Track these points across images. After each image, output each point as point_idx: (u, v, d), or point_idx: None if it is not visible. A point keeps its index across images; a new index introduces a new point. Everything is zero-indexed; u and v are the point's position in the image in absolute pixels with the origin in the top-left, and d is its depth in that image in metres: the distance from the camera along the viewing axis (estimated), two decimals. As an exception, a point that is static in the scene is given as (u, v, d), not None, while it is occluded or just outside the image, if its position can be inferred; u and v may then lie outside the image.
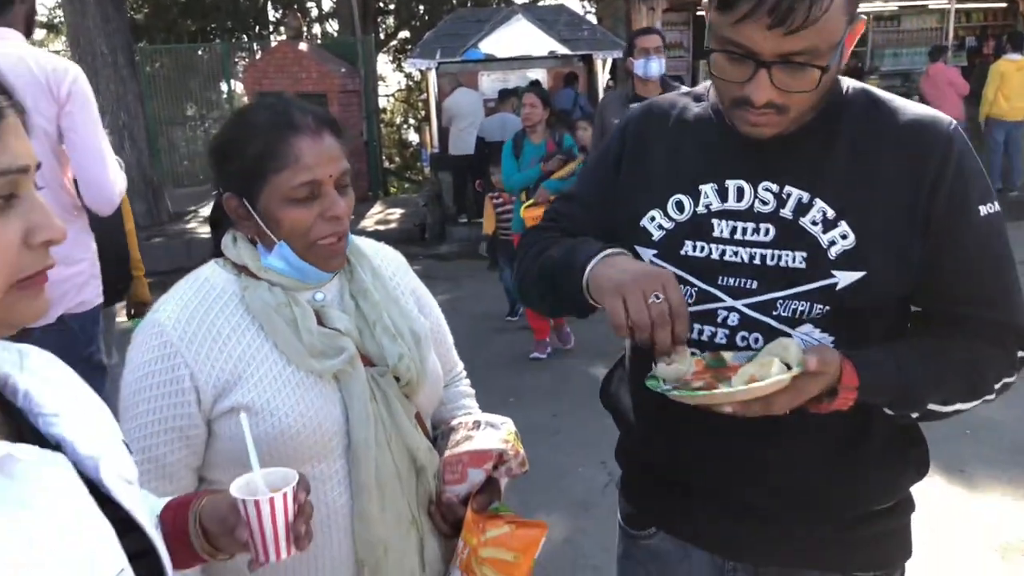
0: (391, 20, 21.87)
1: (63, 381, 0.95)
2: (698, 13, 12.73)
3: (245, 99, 13.74)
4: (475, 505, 1.45)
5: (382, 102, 18.64)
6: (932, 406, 1.31)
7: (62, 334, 2.57)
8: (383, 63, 22.48)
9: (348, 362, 1.38)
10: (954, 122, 1.33)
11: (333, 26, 20.81)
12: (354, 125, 12.00)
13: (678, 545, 1.50)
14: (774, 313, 1.31)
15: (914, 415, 1.32)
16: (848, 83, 1.35)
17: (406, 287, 1.58)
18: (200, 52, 14.99)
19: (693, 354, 1.28)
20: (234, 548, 1.09)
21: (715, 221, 1.35)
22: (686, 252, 1.37)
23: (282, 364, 1.35)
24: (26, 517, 0.77)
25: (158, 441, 1.35)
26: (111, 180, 2.67)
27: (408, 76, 23.65)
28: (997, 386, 1.33)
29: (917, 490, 1.46)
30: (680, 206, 1.38)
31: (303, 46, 12.21)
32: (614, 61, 11.32)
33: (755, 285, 1.32)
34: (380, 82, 19.91)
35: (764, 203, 1.33)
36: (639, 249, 1.41)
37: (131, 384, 1.35)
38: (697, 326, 1.37)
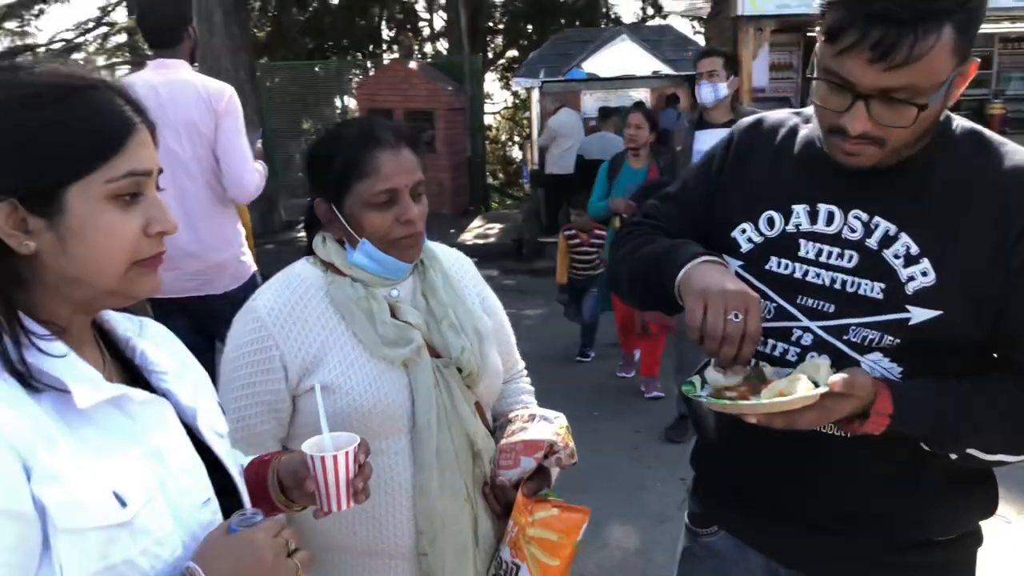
0: (500, 40, 22.28)
1: (173, 348, 1.16)
2: (808, 34, 12.52)
3: (358, 115, 14.28)
4: (525, 490, 1.58)
5: (488, 120, 19.03)
6: (972, 451, 1.29)
7: (227, 303, 3.05)
8: (491, 81, 22.93)
9: (416, 352, 1.54)
10: None
11: (444, 45, 21.35)
12: (458, 142, 12.30)
13: (737, 545, 1.55)
14: (844, 338, 1.33)
15: (952, 455, 1.31)
16: (959, 122, 1.35)
17: (473, 289, 1.74)
18: (317, 69, 15.66)
19: (745, 369, 1.33)
20: (304, 499, 1.25)
21: (802, 241, 1.38)
22: (770, 267, 1.41)
23: (359, 350, 1.53)
24: (138, 439, 0.97)
25: (250, 412, 1.54)
26: (249, 177, 3.22)
27: (515, 95, 24.01)
28: None
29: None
30: (771, 222, 1.42)
31: (413, 65, 12.62)
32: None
33: (832, 309, 1.35)
34: (487, 100, 20.31)
35: (852, 230, 1.34)
36: (727, 258, 1.45)
37: (229, 361, 1.56)
38: (771, 341, 1.40)
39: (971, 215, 1.28)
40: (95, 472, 0.91)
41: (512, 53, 22.36)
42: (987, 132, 1.37)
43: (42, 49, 20.94)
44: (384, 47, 21.44)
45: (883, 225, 1.32)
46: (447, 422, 1.57)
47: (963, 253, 1.27)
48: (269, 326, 1.53)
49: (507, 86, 24.50)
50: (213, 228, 3.18)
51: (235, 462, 1.18)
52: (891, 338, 1.30)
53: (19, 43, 21.50)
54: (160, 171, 1.01)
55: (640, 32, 11.27)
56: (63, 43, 21.32)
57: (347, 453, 1.21)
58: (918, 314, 1.28)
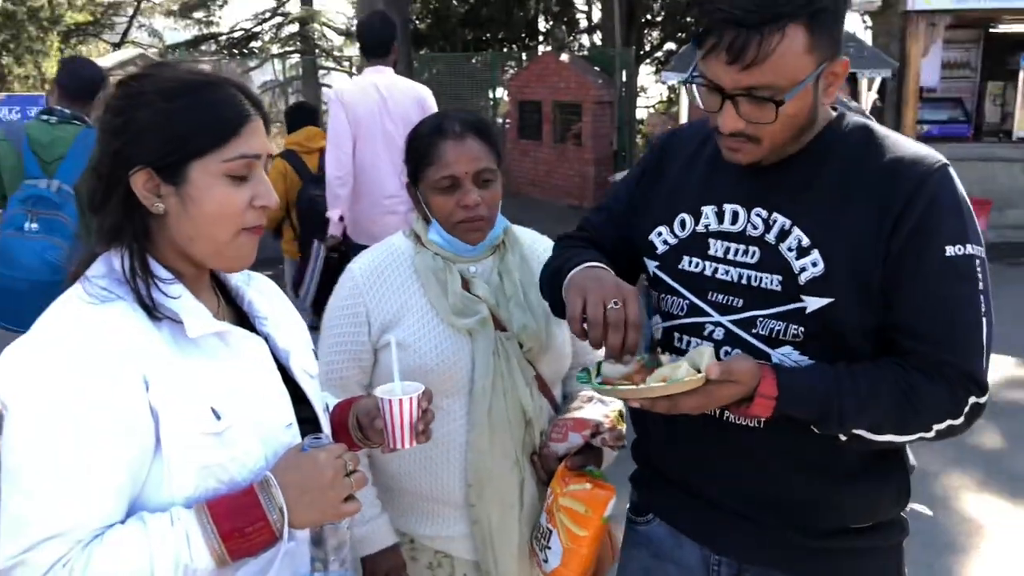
0: (657, 33, 21.97)
1: (275, 299, 1.39)
2: (991, 30, 11.63)
3: (509, 106, 14.50)
4: (569, 463, 1.70)
5: (641, 113, 18.84)
6: (860, 431, 1.32)
7: None
8: (646, 75, 22.66)
9: (480, 323, 1.72)
10: (942, 162, 1.32)
11: (600, 38, 21.29)
12: (605, 135, 12.28)
13: (671, 533, 1.61)
14: (754, 331, 1.39)
15: (842, 437, 1.33)
16: (852, 118, 1.40)
17: None
18: (473, 60, 16.01)
19: (642, 357, 1.39)
20: (376, 437, 1.43)
21: (711, 240, 1.46)
22: (683, 267, 1.49)
23: (431, 315, 1.73)
24: (233, 365, 1.20)
25: (339, 359, 1.77)
26: None
27: (671, 88, 23.66)
28: (939, 427, 1.31)
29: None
30: (683, 223, 1.50)
31: (564, 57, 12.70)
32: (883, 80, 10.65)
33: (740, 303, 1.41)
34: (641, 93, 20.09)
35: (754, 227, 1.42)
36: (645, 260, 1.53)
37: (329, 314, 1.80)
38: (685, 337, 1.47)
39: (856, 206, 1.34)
40: (197, 389, 1.13)
41: (670, 47, 22.01)
42: (877, 127, 1.41)
43: (223, 38, 22.48)
44: (540, 39, 21.63)
45: (780, 220, 1.39)
46: (502, 388, 1.72)
47: (849, 243, 1.33)
48: (360, 285, 1.77)
49: (661, 80, 24.13)
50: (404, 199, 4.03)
51: (320, 399, 1.39)
52: (794, 327, 1.37)
53: (204, 31, 23.17)
54: (270, 156, 1.22)
55: (798, 27, 10.82)
56: (241, 32, 22.79)
57: (412, 398, 1.35)
58: (812, 303, 1.35)
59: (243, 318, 1.32)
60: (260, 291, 1.37)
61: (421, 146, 1.73)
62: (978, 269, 1.33)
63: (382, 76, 4.20)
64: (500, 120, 15.20)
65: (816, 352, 1.37)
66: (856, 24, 20.40)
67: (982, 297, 1.33)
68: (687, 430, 1.49)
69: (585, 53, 16.37)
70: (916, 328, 1.33)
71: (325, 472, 1.14)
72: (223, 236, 1.17)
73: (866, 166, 1.36)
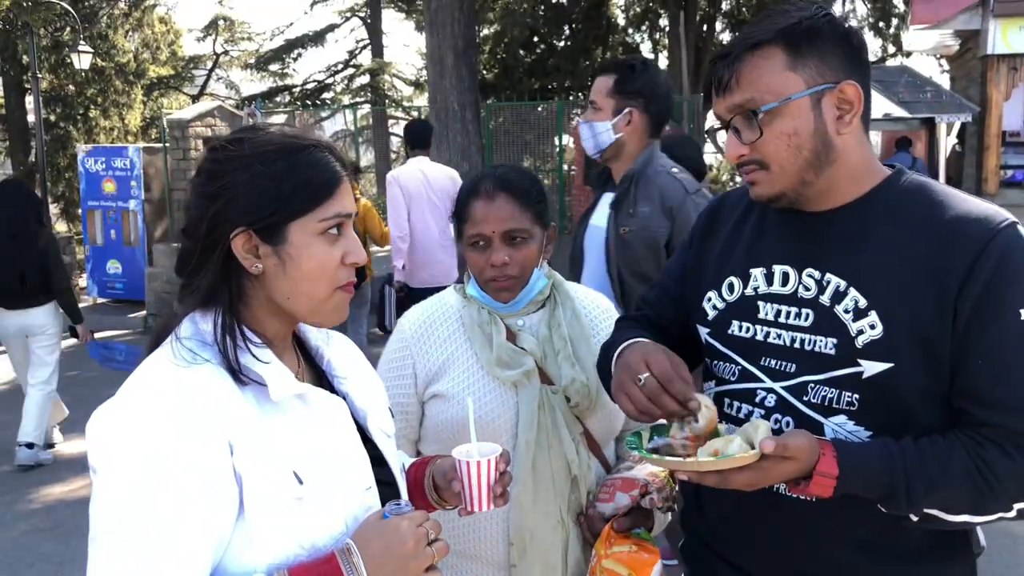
0: (724, 79, 21.94)
1: (353, 358, 1.40)
2: (1075, 73, 11.26)
3: (575, 154, 14.56)
4: (616, 524, 1.64)
5: (711, 159, 18.71)
6: (932, 511, 1.22)
7: None
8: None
9: (526, 375, 1.69)
10: (1008, 220, 1.25)
11: (665, 85, 21.30)
12: (673, 182, 12.19)
13: None
14: (805, 399, 1.32)
15: (913, 517, 1.25)
16: (910, 176, 1.39)
17: (605, 331, 1.80)
18: (539, 109, 16.17)
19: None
20: (452, 499, 1.43)
21: (761, 303, 1.43)
22: (732, 332, 1.46)
23: (476, 367, 1.72)
24: (314, 427, 1.19)
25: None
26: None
27: (736, 135, 23.44)
28: (1020, 505, 1.21)
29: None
30: (732, 287, 1.48)
31: (631, 105, 12.70)
32: (963, 125, 10.37)
33: (792, 368, 1.35)
34: (708, 139, 19.99)
35: (807, 289, 1.38)
36: (698, 327, 1.50)
37: (380, 367, 1.78)
38: (736, 403, 1.41)
39: (916, 266, 1.29)
40: (280, 453, 1.13)
41: (736, 93, 21.89)
42: (937, 185, 1.34)
43: (296, 89, 23.23)
44: (606, 87, 21.72)
45: (834, 281, 1.35)
46: (547, 443, 1.69)
47: (909, 305, 1.28)
48: (408, 339, 1.79)
49: (729, 126, 23.95)
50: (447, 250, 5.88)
51: (398, 460, 1.39)
52: (848, 395, 1.31)
53: (279, 83, 23.98)
54: (357, 214, 1.24)
55: (872, 72, 10.66)
56: (314, 83, 23.53)
57: (490, 460, 1.34)
58: (869, 367, 1.29)
59: (321, 377, 1.33)
60: (338, 350, 1.38)
61: (460, 203, 1.79)
62: None
63: (424, 162, 5.91)
64: (565, 167, 15.26)
65: (871, 422, 1.31)
66: (932, 68, 20.03)
67: None
68: (736, 501, 1.42)
69: (651, 100, 16.36)
70: (989, 397, 1.25)
71: (407, 541, 1.13)
72: (320, 293, 1.19)
73: (927, 225, 1.31)
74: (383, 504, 1.23)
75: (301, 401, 1.19)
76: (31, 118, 18.27)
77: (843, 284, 1.33)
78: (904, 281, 1.29)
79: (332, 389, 1.30)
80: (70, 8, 16.38)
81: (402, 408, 1.75)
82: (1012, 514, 1.26)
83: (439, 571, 1.17)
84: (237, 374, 1.13)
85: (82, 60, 15.53)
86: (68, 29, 18.65)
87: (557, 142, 15.42)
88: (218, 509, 1.07)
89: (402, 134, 6.99)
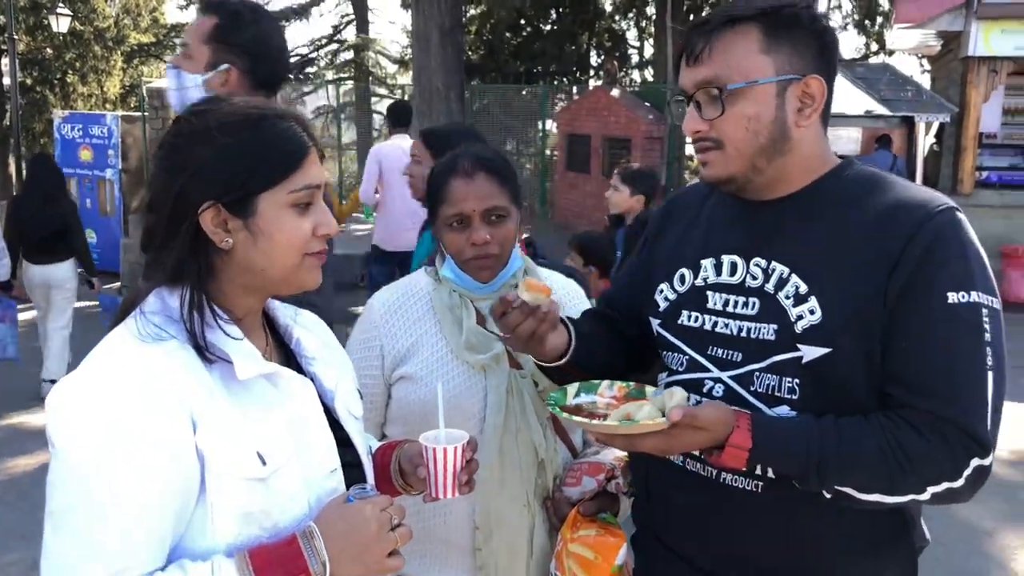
0: (709, 70, 21.98)
1: (321, 336, 1.37)
2: (1054, 78, 11.39)
3: (558, 139, 14.54)
4: (582, 508, 1.64)
5: (691, 149, 18.75)
6: (845, 489, 1.23)
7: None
8: (695, 112, 22.59)
9: (494, 359, 1.68)
10: (947, 204, 1.26)
11: (652, 73, 21.33)
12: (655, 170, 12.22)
13: None
14: (751, 388, 1.33)
15: (827, 494, 1.25)
16: (858, 167, 1.37)
17: (574, 315, 1.78)
18: (523, 92, 16.13)
19: (627, 384, 1.39)
20: (418, 484, 1.41)
21: (710, 293, 1.43)
22: (682, 322, 1.46)
23: (445, 350, 1.70)
24: (280, 408, 1.17)
25: None
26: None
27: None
28: (935, 489, 1.21)
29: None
30: (683, 278, 1.48)
31: (615, 92, 12.71)
32: (941, 125, 10.48)
33: (740, 357, 1.35)
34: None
35: (754, 277, 1.38)
36: (650, 320, 1.51)
37: (348, 348, 1.74)
38: (681, 389, 1.38)
39: (854, 251, 1.29)
40: (245, 432, 1.10)
41: (720, 84, 21.94)
42: (885, 174, 1.36)
43: (280, 63, 22.92)
44: (591, 73, 21.73)
45: (778, 268, 1.35)
46: (515, 427, 1.68)
47: (847, 290, 1.28)
48: (377, 320, 1.76)
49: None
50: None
51: (365, 442, 1.37)
52: (789, 380, 1.31)
53: (262, 56, 23.65)
54: (327, 184, 1.21)
55: (854, 69, 10.71)
56: (298, 58, 23.27)
57: (456, 448, 1.32)
58: (808, 352, 1.29)
59: (290, 357, 1.30)
60: (307, 328, 1.35)
61: (435, 184, 1.74)
62: (985, 319, 1.23)
63: (404, 139, 6.20)
64: (548, 152, 15.25)
65: (814, 411, 1.29)
66: (914, 68, 20.18)
67: (989, 349, 1.23)
68: (684, 492, 1.44)
69: (636, 88, 16.38)
70: (910, 379, 1.24)
71: (370, 525, 1.11)
72: (290, 264, 1.17)
73: (867, 210, 1.31)
74: (348, 487, 1.21)
75: (268, 381, 1.17)
76: (7, 80, 17.92)
77: (786, 271, 1.34)
78: (844, 266, 1.29)
79: (300, 369, 1.28)
80: (50, -30, 16.07)
81: (368, 390, 1.73)
82: (926, 496, 1.24)
83: (401, 556, 1.15)
84: (203, 351, 1.11)
85: (60, 23, 15.27)
86: (47, -9, 18.30)
87: (540, 126, 15.39)
88: (178, 487, 1.05)
89: (384, 113, 7.23)
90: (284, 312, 1.33)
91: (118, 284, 11.67)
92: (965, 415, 1.21)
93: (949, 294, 1.23)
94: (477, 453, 1.55)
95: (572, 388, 1.40)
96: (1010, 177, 10.93)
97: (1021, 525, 4.29)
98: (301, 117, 1.21)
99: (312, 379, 1.28)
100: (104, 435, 1.02)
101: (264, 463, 1.11)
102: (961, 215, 1.29)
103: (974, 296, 1.23)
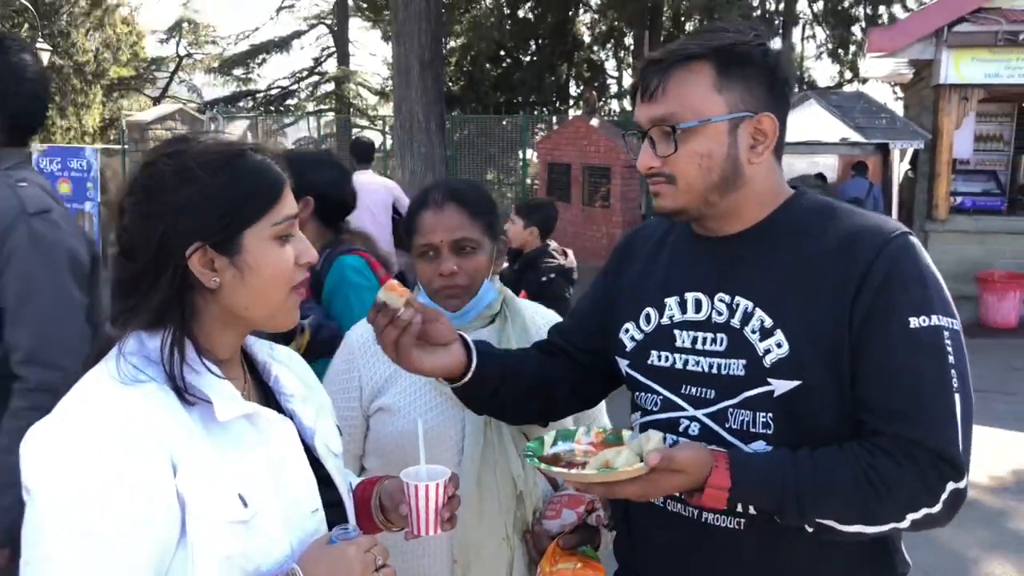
0: (686, 99, 22.26)
1: (299, 371, 1.35)
2: None
3: (539, 168, 14.63)
4: (562, 541, 1.62)
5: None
6: (827, 522, 1.23)
7: None
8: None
9: None
10: (901, 230, 1.28)
11: (630, 103, 21.56)
12: (633, 198, 12.33)
13: None
14: (727, 425, 1.33)
15: (808, 528, 1.25)
16: (812, 197, 1.41)
17: None
18: (504, 123, 16.25)
19: (603, 430, 1.38)
20: (399, 521, 1.38)
21: (677, 332, 1.42)
22: (652, 362, 1.45)
23: (423, 381, 1.68)
24: (261, 448, 1.14)
25: None
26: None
27: (698, 154, 23.74)
28: (914, 516, 1.21)
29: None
30: (648, 318, 1.47)
31: (594, 121, 12.83)
32: (916, 151, 10.64)
33: (712, 394, 1.35)
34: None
35: (719, 313, 1.38)
36: (617, 359, 1.50)
37: (326, 381, 1.74)
38: (658, 432, 1.38)
39: (815, 282, 1.30)
40: (225, 475, 1.08)
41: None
42: (836, 203, 1.38)
43: (260, 94, 23.02)
44: (570, 103, 21.94)
45: (743, 303, 1.35)
46: (493, 459, 1.66)
47: (811, 321, 1.28)
48: (355, 352, 1.76)
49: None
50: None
51: (345, 480, 1.34)
52: (763, 415, 1.31)
53: (243, 88, 23.75)
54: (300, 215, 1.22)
55: (829, 97, 10.88)
56: (279, 89, 23.35)
57: (438, 484, 1.30)
58: (779, 386, 1.29)
59: (268, 394, 1.28)
60: (285, 364, 1.33)
61: (409, 215, 1.76)
62: (948, 341, 1.24)
63: (368, 175, 6.86)
64: (529, 181, 15.33)
65: (792, 446, 1.28)
66: (887, 95, 20.53)
67: (954, 371, 1.23)
68: (665, 532, 1.42)
69: (615, 118, 16.55)
70: (879, 405, 1.24)
71: (354, 567, 1.10)
72: (277, 297, 1.16)
73: (823, 240, 1.32)
74: (330, 526, 1.19)
75: (248, 421, 1.15)
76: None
77: (750, 305, 1.34)
78: (806, 297, 1.29)
79: (279, 407, 1.26)
80: (28, 4, 16.07)
81: (346, 422, 1.71)
82: (905, 524, 1.24)
83: None
84: (182, 393, 1.08)
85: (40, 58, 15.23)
86: (26, 25, 18.30)
87: (521, 155, 15.49)
88: (159, 533, 1.02)
89: (349, 150, 7.69)
90: (261, 348, 1.30)
91: (97, 318, 11.56)
92: (936, 439, 1.22)
93: (910, 319, 1.24)
94: (458, 491, 1.54)
95: (549, 437, 1.39)
96: (983, 202, 11.09)
97: (1004, 552, 4.29)
98: (271, 148, 1.21)
99: (291, 417, 1.26)
100: (82, 480, 0.99)
101: (246, 505, 1.08)
102: (915, 239, 1.31)
103: (935, 319, 1.25)
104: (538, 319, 1.85)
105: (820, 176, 10.67)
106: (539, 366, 1.57)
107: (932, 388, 1.23)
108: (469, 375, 1.46)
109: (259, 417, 1.17)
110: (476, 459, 1.65)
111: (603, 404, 1.88)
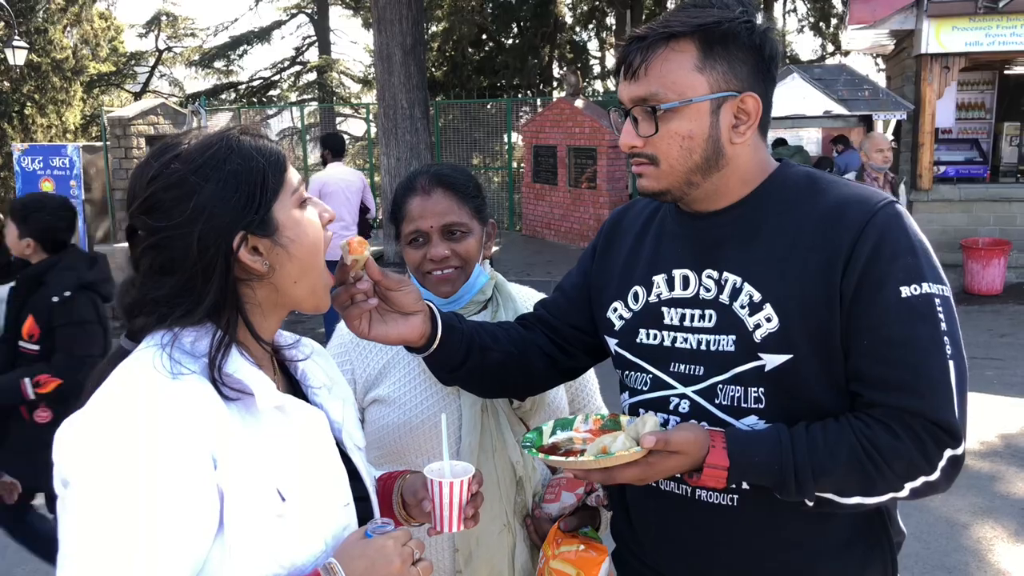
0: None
1: (324, 366, 1.34)
2: (1006, 72, 11.65)
3: (524, 151, 14.61)
4: (563, 524, 1.62)
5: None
6: (826, 495, 1.24)
7: None
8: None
9: None
10: (888, 199, 1.28)
11: (614, 83, 21.51)
12: (620, 179, 12.31)
13: None
14: (716, 401, 1.33)
15: (808, 502, 1.26)
16: (796, 168, 1.37)
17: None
18: (488, 106, 16.20)
19: (601, 416, 1.38)
20: (421, 517, 1.39)
21: (665, 309, 1.41)
22: (641, 340, 1.44)
23: (418, 370, 1.68)
24: (295, 441, 1.14)
25: None
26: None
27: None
28: (912, 484, 1.23)
29: None
30: (636, 296, 1.46)
31: (579, 103, 12.80)
32: (898, 123, 10.67)
33: (701, 371, 1.35)
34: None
35: (707, 290, 1.37)
36: (607, 339, 1.50)
37: None
38: (652, 413, 1.38)
39: (802, 254, 1.29)
40: (263, 468, 1.07)
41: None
42: (821, 173, 1.37)
43: (242, 86, 22.86)
44: (554, 85, 21.88)
45: (731, 279, 1.34)
46: (491, 446, 1.66)
47: (800, 294, 1.27)
48: (347, 344, 1.74)
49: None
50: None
51: (369, 474, 1.34)
52: (754, 390, 1.30)
53: (224, 80, 23.57)
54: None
55: (811, 71, 10.88)
56: (261, 80, 23.18)
57: (463, 481, 1.30)
58: (770, 360, 1.29)
59: (295, 388, 1.26)
60: (312, 359, 1.31)
61: (396, 203, 1.74)
62: (939, 308, 1.24)
63: (339, 167, 7.73)
64: (515, 165, 15.31)
65: (781, 420, 1.29)
66: (869, 67, 20.55)
67: (947, 338, 1.23)
68: (658, 509, 1.42)
69: (600, 99, 16.53)
70: (874, 376, 1.24)
71: (393, 561, 1.09)
72: (320, 262, 1.18)
73: (809, 212, 1.31)
74: (359, 521, 1.19)
75: (281, 413, 1.13)
76: (-36, 116, 17.69)
77: (739, 280, 1.33)
78: (795, 270, 1.28)
79: (306, 400, 1.24)
80: (3, 2, 15.89)
81: None
82: (904, 493, 1.25)
83: None
84: (222, 386, 1.07)
85: (17, 56, 15.08)
86: (2, 24, 18.10)
87: (506, 139, 15.45)
88: (198, 526, 1.00)
89: (322, 144, 8.04)
90: (288, 341, 1.28)
91: (86, 316, 11.50)
92: (932, 407, 1.21)
93: (902, 288, 1.23)
94: (481, 488, 1.52)
95: (547, 427, 1.39)
96: (966, 171, 11.15)
97: (996, 517, 4.35)
98: (253, 128, 1.20)
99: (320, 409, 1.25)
100: (125, 471, 0.97)
101: (283, 499, 1.07)
102: (902, 207, 1.30)
103: (925, 287, 1.24)
104: (531, 303, 1.82)
105: (780, 141, 10.69)
106: (514, 339, 1.55)
107: (926, 357, 1.22)
108: (434, 346, 1.43)
109: (293, 409, 1.15)
110: (474, 447, 1.64)
111: (596, 387, 1.90)
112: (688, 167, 1.33)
